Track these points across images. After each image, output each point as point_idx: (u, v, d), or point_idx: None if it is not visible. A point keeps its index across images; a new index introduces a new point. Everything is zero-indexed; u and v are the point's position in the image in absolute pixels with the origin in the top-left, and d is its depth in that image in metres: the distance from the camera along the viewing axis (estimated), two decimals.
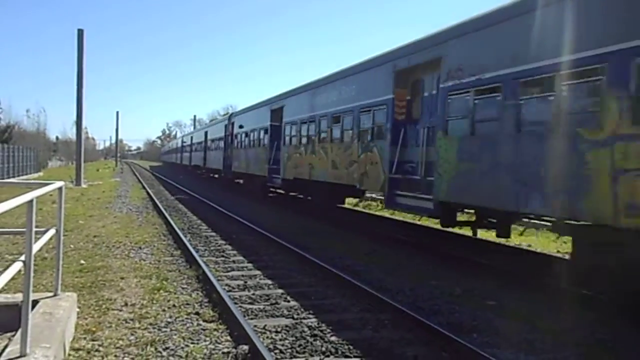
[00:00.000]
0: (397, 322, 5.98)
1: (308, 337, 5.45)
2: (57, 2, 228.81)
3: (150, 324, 5.71)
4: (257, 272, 8.51)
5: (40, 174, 45.75)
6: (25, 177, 39.23)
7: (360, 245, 11.43)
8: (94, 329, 5.43)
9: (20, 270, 3.75)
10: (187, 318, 5.97)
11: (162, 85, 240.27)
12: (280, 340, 5.38)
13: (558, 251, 11.21)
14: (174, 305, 6.42)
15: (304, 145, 16.48)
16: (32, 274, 3.88)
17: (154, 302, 6.54)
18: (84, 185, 29.44)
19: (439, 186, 9.18)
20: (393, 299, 6.75)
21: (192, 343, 5.19)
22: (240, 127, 25.34)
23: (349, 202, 19.96)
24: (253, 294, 7.11)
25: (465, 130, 8.71)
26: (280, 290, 7.33)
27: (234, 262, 9.34)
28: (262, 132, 21.56)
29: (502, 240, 11.69)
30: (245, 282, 7.84)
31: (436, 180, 9.28)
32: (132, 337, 5.29)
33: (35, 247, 4.11)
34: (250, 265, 9.04)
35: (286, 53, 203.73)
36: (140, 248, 10.29)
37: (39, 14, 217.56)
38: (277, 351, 5.07)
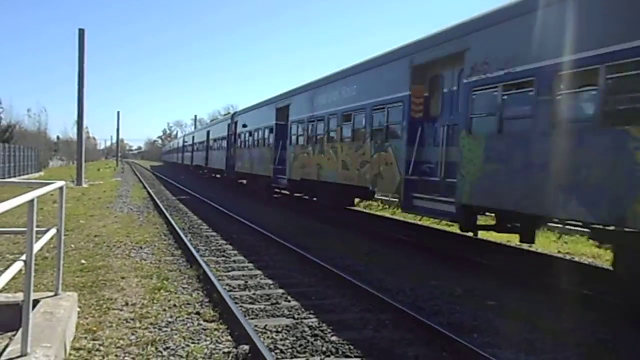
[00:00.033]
0: (398, 322, 5.98)
1: (309, 337, 5.45)
2: (57, 2, 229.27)
3: (151, 324, 5.71)
4: (258, 272, 8.51)
5: (41, 173, 45.79)
6: (26, 176, 39.28)
7: (361, 245, 11.42)
8: (94, 328, 5.44)
9: (21, 270, 3.76)
10: (187, 318, 5.97)
11: (163, 85, 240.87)
12: (281, 340, 5.38)
13: (559, 251, 11.22)
14: (174, 305, 6.42)
15: (312, 145, 15.96)
16: (32, 274, 3.88)
17: (155, 301, 6.55)
18: (84, 185, 29.46)
19: (462, 188, 8.63)
20: (393, 299, 6.75)
21: (192, 343, 5.20)
22: (244, 126, 24.86)
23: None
24: (254, 294, 7.11)
25: (492, 128, 8.14)
26: (281, 290, 7.33)
27: (234, 262, 9.34)
28: (267, 131, 21.04)
29: (503, 240, 11.70)
30: (246, 281, 7.84)
31: (459, 182, 8.72)
32: (132, 337, 5.29)
33: (36, 246, 4.11)
34: (251, 265, 9.04)
35: (286, 53, 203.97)
36: (141, 248, 10.29)
37: (39, 14, 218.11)
38: (277, 351, 5.07)
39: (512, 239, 11.34)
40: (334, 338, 5.45)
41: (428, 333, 5.54)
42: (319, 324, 5.90)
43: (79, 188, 27.39)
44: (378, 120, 11.95)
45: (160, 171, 56.49)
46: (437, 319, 6.05)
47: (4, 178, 32.06)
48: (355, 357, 5.01)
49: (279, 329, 5.69)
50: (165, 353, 4.92)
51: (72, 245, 10.15)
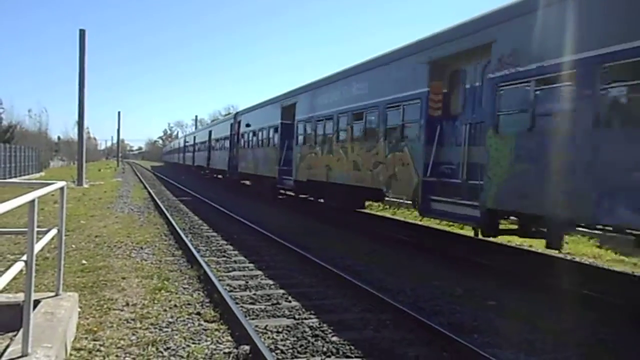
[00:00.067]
0: (398, 322, 5.98)
1: (309, 338, 5.45)
2: (57, 2, 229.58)
3: (152, 324, 5.72)
4: (259, 272, 8.52)
5: (42, 173, 45.81)
6: (27, 177, 39.30)
7: (361, 245, 11.43)
8: (95, 328, 5.44)
9: (22, 270, 3.76)
10: (188, 318, 5.98)
11: (163, 85, 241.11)
12: (282, 340, 5.39)
13: (559, 251, 11.18)
14: (175, 306, 6.43)
15: (320, 145, 15.32)
16: (33, 274, 3.89)
17: (155, 302, 6.56)
18: (85, 185, 29.48)
19: (488, 191, 8.01)
20: (394, 299, 6.75)
21: (193, 343, 5.20)
22: (247, 125, 24.25)
23: None
24: (254, 294, 7.11)
25: (522, 127, 7.48)
26: (282, 291, 7.34)
27: (235, 262, 9.35)
28: (271, 131, 20.37)
29: (503, 241, 11.69)
30: (247, 282, 7.85)
31: (485, 185, 8.09)
32: (133, 337, 5.30)
33: (37, 247, 4.12)
34: (251, 266, 9.05)
35: (286, 53, 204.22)
36: (141, 248, 10.30)
37: (39, 14, 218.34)
38: (278, 351, 5.08)
39: (513, 240, 11.35)
40: (334, 338, 5.46)
41: (428, 333, 5.55)
42: (319, 324, 5.91)
43: (79, 188, 27.41)
44: (393, 118, 11.32)
45: (161, 172, 56.50)
46: (438, 319, 6.05)
47: (5, 178, 32.09)
48: (356, 357, 5.01)
49: (280, 330, 5.69)
50: (165, 353, 4.93)
51: (73, 246, 10.17)
